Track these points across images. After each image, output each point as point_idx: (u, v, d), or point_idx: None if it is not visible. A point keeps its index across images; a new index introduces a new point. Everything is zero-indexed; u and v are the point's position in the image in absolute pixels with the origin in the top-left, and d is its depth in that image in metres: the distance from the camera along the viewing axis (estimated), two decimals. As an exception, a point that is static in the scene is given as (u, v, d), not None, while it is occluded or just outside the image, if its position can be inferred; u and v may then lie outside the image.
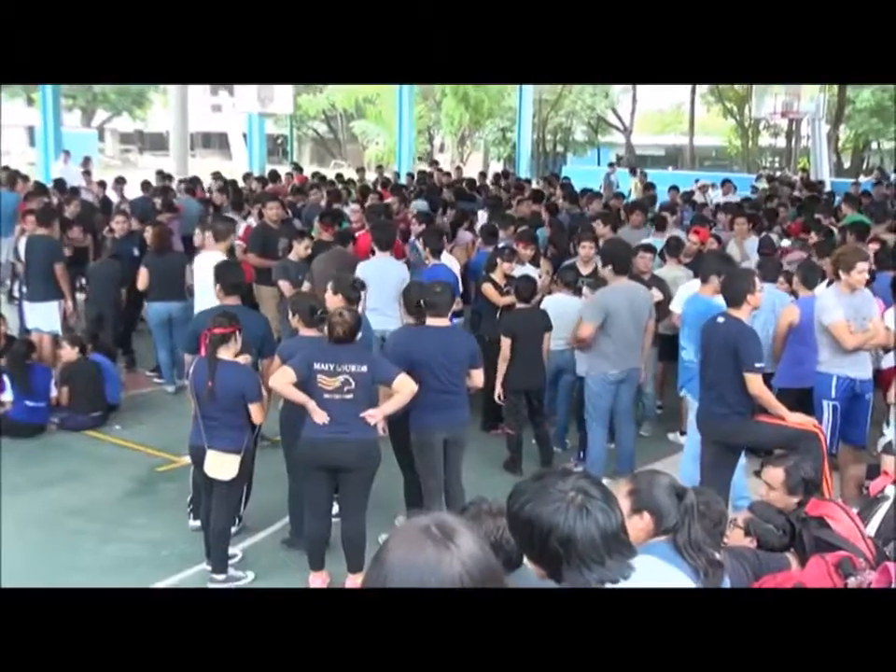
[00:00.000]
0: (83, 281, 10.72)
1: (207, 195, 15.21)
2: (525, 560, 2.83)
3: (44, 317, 9.62)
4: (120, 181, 16.90)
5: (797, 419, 5.95)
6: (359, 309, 6.46)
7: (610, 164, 26.45)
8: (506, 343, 7.57)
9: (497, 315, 8.26)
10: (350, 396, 5.50)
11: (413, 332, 6.31)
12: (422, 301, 6.24)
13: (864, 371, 6.88)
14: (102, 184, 17.44)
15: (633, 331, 7.26)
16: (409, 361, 5.91)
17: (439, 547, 1.69)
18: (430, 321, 6.20)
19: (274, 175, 18.23)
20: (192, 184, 16.25)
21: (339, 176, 19.53)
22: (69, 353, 8.78)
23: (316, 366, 5.49)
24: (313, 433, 5.54)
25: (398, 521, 6.02)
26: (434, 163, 25.56)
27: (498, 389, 7.59)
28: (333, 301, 6.23)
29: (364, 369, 5.52)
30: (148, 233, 10.14)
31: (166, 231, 10.18)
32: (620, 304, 7.16)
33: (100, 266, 10.43)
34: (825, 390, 6.77)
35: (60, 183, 15.44)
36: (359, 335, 5.72)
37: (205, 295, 7.62)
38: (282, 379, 5.52)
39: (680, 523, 2.77)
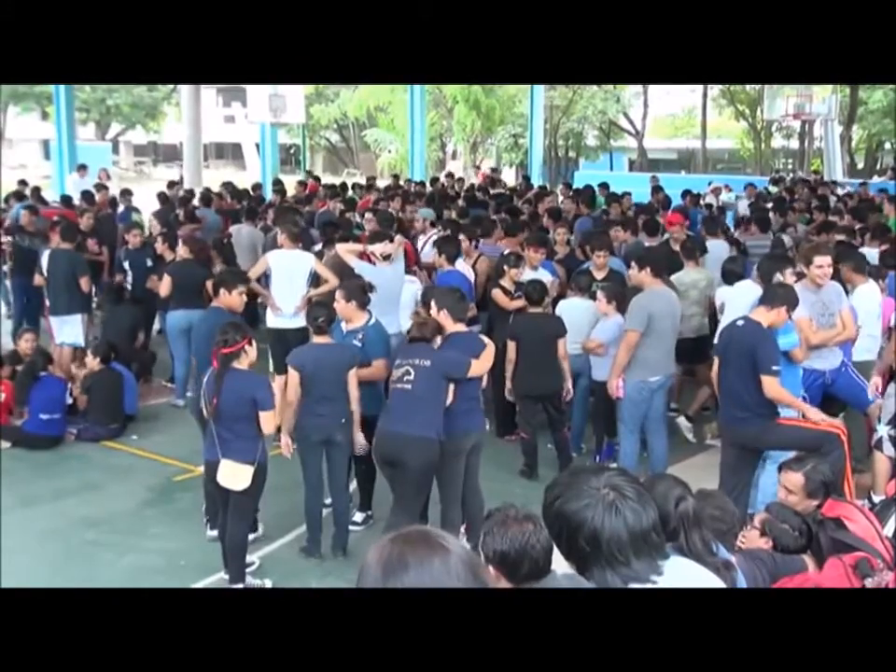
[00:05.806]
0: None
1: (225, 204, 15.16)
2: (553, 565, 2.82)
3: (68, 330, 9.72)
4: (126, 193, 16.51)
5: (818, 418, 5.92)
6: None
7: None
8: (511, 346, 7.56)
9: (511, 319, 8.23)
10: (409, 386, 5.78)
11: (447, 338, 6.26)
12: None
13: (832, 363, 7.03)
14: (112, 201, 16.25)
15: (671, 337, 7.11)
16: None
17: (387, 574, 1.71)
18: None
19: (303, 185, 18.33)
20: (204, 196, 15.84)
21: (354, 186, 19.57)
22: (92, 363, 8.83)
23: (396, 362, 6.03)
24: (379, 425, 5.92)
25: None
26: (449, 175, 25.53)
27: (509, 384, 7.64)
28: (342, 308, 6.35)
29: (427, 363, 5.81)
30: (159, 245, 10.13)
31: (196, 241, 10.00)
32: (662, 309, 6.99)
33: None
34: None
35: (66, 199, 15.40)
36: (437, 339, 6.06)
37: (282, 290, 8.48)
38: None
39: (678, 531, 2.74)
